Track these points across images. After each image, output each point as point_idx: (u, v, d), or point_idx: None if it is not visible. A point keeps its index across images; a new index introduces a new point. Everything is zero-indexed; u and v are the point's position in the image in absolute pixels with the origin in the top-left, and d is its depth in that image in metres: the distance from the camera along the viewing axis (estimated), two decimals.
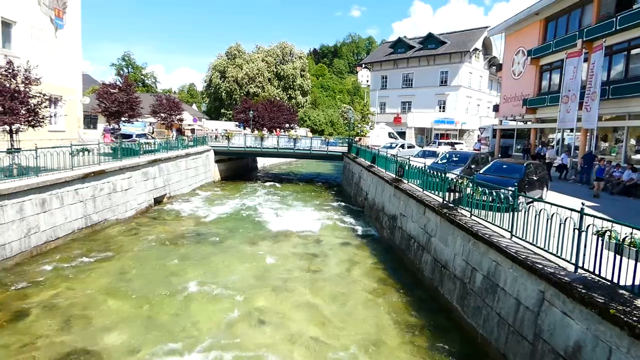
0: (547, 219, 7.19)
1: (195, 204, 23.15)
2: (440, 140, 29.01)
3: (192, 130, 37.24)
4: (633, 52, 17.98)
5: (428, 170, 13.45)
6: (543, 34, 24.83)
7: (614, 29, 17.99)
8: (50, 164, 14.42)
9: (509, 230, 8.42)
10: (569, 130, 22.58)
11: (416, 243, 13.05)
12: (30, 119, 14.57)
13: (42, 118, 15.13)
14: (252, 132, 40.25)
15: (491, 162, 13.71)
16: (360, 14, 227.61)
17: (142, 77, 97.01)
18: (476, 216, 9.88)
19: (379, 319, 9.95)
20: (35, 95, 14.80)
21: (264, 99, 64.11)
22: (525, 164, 12.93)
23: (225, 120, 71.79)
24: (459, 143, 34.55)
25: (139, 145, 20.74)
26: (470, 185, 10.19)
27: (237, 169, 36.96)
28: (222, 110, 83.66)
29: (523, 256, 7.32)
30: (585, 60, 19.36)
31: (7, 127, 14.53)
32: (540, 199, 9.11)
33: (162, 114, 28.88)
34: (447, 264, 10.48)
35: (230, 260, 13.93)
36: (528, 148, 25.32)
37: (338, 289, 11.73)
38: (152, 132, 32.81)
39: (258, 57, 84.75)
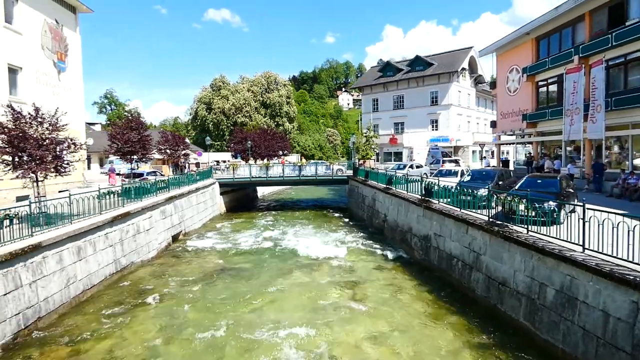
0: (613, 228, 7.49)
1: (211, 239, 22.77)
2: (444, 158, 29.67)
3: (197, 164, 37.00)
4: (630, 65, 19.03)
5: (464, 189, 13.73)
6: (536, 51, 26.08)
7: (610, 45, 19.07)
8: (81, 209, 14.07)
9: (580, 243, 8.62)
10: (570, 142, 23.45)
11: (460, 262, 13.16)
12: (57, 166, 14.29)
13: (68, 164, 14.88)
14: (246, 162, 40.33)
15: (524, 178, 14.09)
16: (335, 40, 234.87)
17: (125, 113, 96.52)
18: (535, 232, 10.10)
19: (449, 343, 9.93)
20: (62, 141, 14.58)
21: (255, 128, 64.53)
22: (558, 178, 13.36)
23: (212, 152, 71.62)
24: (458, 159, 35.38)
25: (155, 184, 20.48)
26: (524, 201, 10.45)
27: (240, 199, 36.70)
28: (210, 142, 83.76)
29: (607, 269, 7.51)
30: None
31: (33, 176, 14.21)
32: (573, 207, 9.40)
33: (167, 150, 28.69)
34: (506, 281, 10.60)
35: (273, 295, 13.72)
36: (531, 160, 26.12)
37: (394, 316, 11.66)
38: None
39: (244, 87, 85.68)
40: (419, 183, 17.47)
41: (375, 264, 16.98)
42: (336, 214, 30.65)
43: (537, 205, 10.36)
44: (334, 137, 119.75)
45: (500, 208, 12.08)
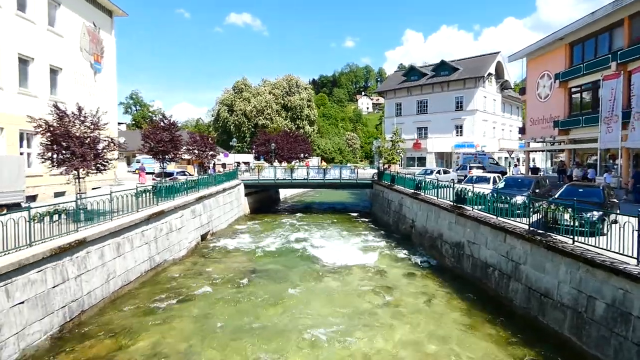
0: None
1: (238, 239, 22.99)
2: (472, 165, 29.33)
3: (224, 165, 37.48)
4: None
5: (502, 196, 13.51)
6: (569, 57, 25.54)
7: None
8: (120, 206, 14.39)
9: (634, 256, 8.36)
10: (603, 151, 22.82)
11: (497, 271, 12.94)
12: (98, 163, 14.69)
13: (107, 162, 15.28)
14: (270, 164, 40.59)
15: (564, 187, 13.78)
16: (354, 44, 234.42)
17: (149, 114, 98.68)
18: (581, 242, 9.85)
19: (491, 353, 9.75)
20: (103, 140, 14.98)
21: (277, 130, 65.00)
22: (601, 187, 13.03)
23: (233, 153, 72.35)
24: (483, 166, 34.87)
25: (186, 183, 20.81)
26: (569, 211, 10.21)
27: (263, 200, 36.98)
28: (231, 143, 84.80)
29: None
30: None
31: (76, 173, 14.65)
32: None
33: (195, 151, 29.17)
34: (549, 293, 10.36)
35: (306, 298, 13.75)
36: (564, 169, 25.52)
37: (431, 324, 11.54)
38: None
39: (265, 90, 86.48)
40: (451, 189, 17.26)
41: (405, 270, 16.85)
42: (360, 218, 30.56)
43: (583, 215, 10.14)
44: (354, 141, 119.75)
45: (538, 217, 11.82)
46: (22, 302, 9.05)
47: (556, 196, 13.14)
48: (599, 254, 9.18)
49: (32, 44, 19.60)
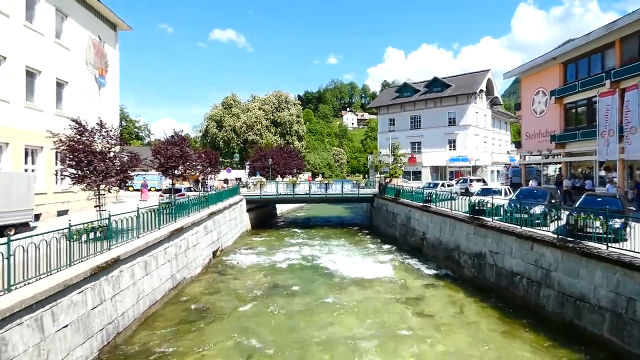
0: None
1: (248, 255, 22.73)
2: (472, 178, 30.07)
3: (226, 181, 37.19)
4: None
5: (525, 207, 13.94)
6: (563, 75, 26.74)
7: None
8: (143, 224, 14.16)
9: None
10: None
11: (525, 279, 13.24)
12: (120, 179, 14.49)
13: (130, 178, 15.09)
14: (268, 179, 40.52)
15: (582, 197, 14.33)
16: (337, 61, 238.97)
17: (135, 129, 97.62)
18: (617, 248, 10.26)
19: (534, 358, 9.93)
20: (126, 155, 14.82)
21: (268, 145, 65.09)
22: (618, 197, 13.60)
23: (223, 168, 71.80)
24: (484, 179, 35.83)
25: (199, 199, 20.65)
26: (601, 218, 10.64)
27: (263, 216, 36.79)
28: (220, 159, 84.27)
29: None
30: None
31: (96, 189, 14.40)
32: None
33: (199, 167, 28.94)
34: (585, 297, 10.69)
35: (338, 311, 13.72)
36: (561, 181, 26.38)
37: (470, 332, 11.69)
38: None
39: (255, 106, 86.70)
40: (465, 201, 17.66)
41: (426, 282, 17.01)
42: (362, 232, 30.69)
43: (614, 222, 10.61)
44: (340, 156, 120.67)
45: (556, 225, 12.27)
46: (66, 326, 8.76)
47: (576, 205, 13.64)
48: (635, 257, 9.58)
49: (39, 57, 19.36)
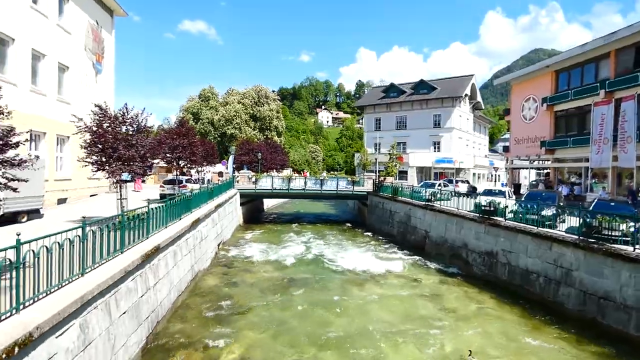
0: None
1: (250, 249, 22.43)
2: (458, 179, 31.20)
3: (220, 174, 36.41)
4: None
5: (532, 207, 14.70)
6: (555, 83, 28.06)
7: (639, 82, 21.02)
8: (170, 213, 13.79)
9: None
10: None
11: (542, 277, 13.92)
12: (145, 167, 14.04)
13: (152, 165, 14.61)
14: (255, 173, 40.07)
15: (595, 201, 15.21)
16: (310, 59, 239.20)
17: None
18: None
19: (566, 353, 10.51)
20: (149, 142, 14.34)
21: (250, 140, 64.19)
22: (630, 202, 14.54)
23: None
24: (468, 180, 37.11)
25: (208, 191, 20.24)
26: (627, 221, 11.39)
27: (253, 211, 36.49)
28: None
29: None
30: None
31: (118, 177, 13.88)
32: None
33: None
34: (609, 295, 11.40)
35: (360, 304, 13.94)
36: (550, 185, 27.77)
37: (496, 326, 12.17)
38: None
39: (234, 100, 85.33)
40: (474, 200, 18.31)
41: (436, 278, 17.51)
42: (355, 229, 31.03)
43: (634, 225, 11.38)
44: (316, 154, 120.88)
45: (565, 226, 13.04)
46: (125, 312, 8.54)
47: (591, 209, 14.47)
48: None
49: (43, 40, 18.38)
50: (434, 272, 18.44)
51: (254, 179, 31.66)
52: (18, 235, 5.62)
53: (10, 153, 9.12)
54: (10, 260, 5.42)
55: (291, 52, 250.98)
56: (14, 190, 9.23)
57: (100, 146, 13.24)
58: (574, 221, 14.33)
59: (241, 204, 32.09)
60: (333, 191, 32.29)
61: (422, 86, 49.13)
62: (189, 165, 21.69)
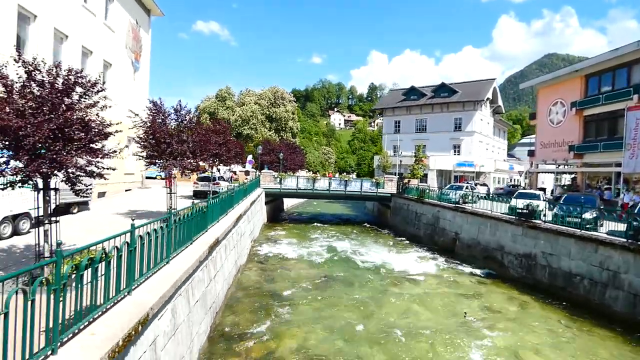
0: None
1: (280, 247, 22.68)
2: (477, 182, 31.37)
3: (247, 172, 36.83)
4: None
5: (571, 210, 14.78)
6: (584, 88, 27.96)
7: None
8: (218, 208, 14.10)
9: None
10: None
11: (586, 280, 13.95)
12: (194, 163, 14.37)
13: (198, 162, 14.96)
14: (278, 173, 40.43)
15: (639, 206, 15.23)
16: (322, 61, 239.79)
17: None
18: None
19: (623, 353, 10.57)
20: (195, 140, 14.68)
21: (268, 141, 64.66)
22: None
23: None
24: (486, 183, 37.16)
25: (243, 189, 20.57)
26: None
27: (275, 210, 36.78)
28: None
29: None
30: None
31: (168, 172, 14.23)
32: None
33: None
34: None
35: (403, 303, 14.09)
36: (578, 190, 27.63)
37: (544, 326, 12.24)
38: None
39: (251, 100, 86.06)
40: (507, 203, 18.39)
41: (473, 279, 17.59)
42: (378, 230, 31.14)
43: None
44: (329, 155, 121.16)
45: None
46: (198, 301, 8.80)
47: (635, 211, 14.47)
48: None
49: (91, 37, 18.90)
50: (469, 274, 18.50)
51: (278, 179, 31.90)
52: (133, 220, 5.89)
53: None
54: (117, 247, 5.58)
55: (302, 54, 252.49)
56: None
57: (153, 141, 13.59)
58: (612, 225, 14.39)
59: (266, 203, 32.43)
60: (357, 192, 32.47)
61: (443, 89, 49.16)
62: (223, 163, 21.99)
